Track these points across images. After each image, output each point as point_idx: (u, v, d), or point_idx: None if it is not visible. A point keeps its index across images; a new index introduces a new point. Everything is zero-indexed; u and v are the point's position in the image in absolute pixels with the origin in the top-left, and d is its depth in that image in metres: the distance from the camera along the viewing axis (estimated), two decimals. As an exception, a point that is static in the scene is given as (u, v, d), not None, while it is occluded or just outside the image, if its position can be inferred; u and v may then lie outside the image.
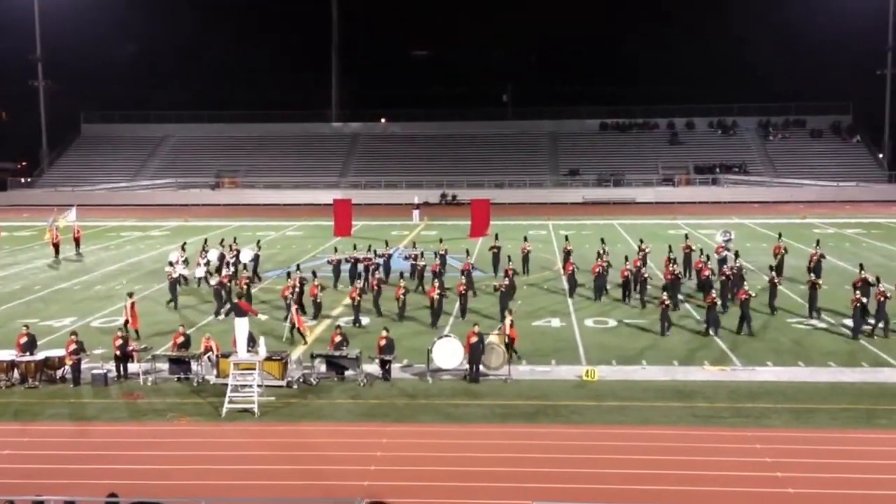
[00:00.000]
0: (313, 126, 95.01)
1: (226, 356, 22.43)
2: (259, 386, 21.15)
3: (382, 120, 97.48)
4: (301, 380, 22.79)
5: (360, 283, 30.86)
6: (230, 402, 20.68)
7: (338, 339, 23.80)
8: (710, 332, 26.94)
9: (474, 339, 22.84)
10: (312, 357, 23.66)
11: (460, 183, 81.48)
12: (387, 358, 23.13)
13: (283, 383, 22.37)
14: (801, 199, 76.19)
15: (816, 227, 56.40)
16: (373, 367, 23.41)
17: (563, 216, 65.81)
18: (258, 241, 42.39)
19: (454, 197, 78.54)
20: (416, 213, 64.34)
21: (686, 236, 37.50)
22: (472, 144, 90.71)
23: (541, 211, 69.50)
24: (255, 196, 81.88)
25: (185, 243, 40.93)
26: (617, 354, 25.44)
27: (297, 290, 29.81)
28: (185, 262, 37.32)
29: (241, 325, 22.00)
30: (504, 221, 59.79)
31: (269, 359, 22.39)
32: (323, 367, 23.35)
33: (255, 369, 21.23)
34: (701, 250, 35.91)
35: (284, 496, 16.27)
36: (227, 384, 21.13)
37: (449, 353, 23.09)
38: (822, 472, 17.01)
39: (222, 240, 42.27)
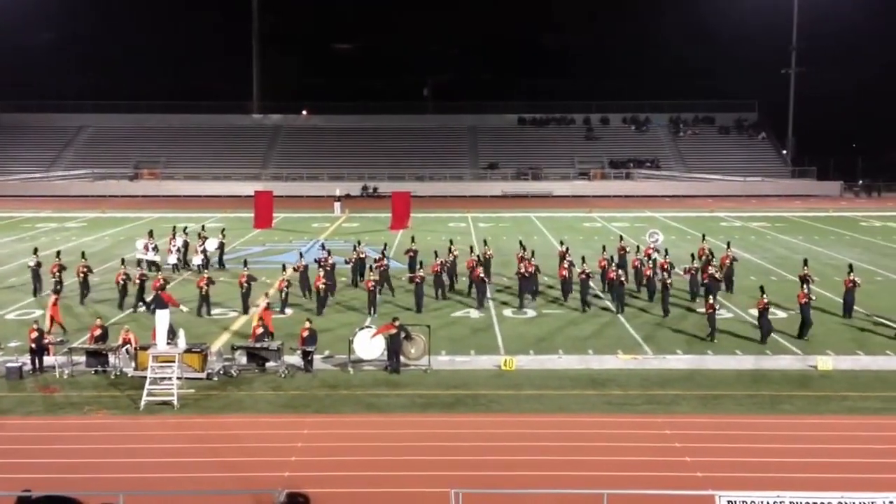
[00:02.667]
0: (234, 117, 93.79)
1: (144, 348, 22.24)
2: (178, 378, 21.01)
3: (304, 112, 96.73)
4: (221, 372, 22.73)
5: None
6: (149, 394, 20.51)
7: (259, 330, 23.81)
8: (711, 337, 26.30)
9: (393, 331, 23.09)
10: (233, 349, 23.62)
11: (381, 176, 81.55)
12: (308, 349, 23.23)
13: (204, 375, 22.25)
14: (709, 194, 78.34)
15: (724, 221, 58.18)
16: (295, 359, 23.49)
17: (482, 209, 66.45)
18: (223, 230, 41.93)
19: (375, 189, 78.55)
20: (337, 205, 64.21)
21: (621, 237, 37.86)
22: (394, 138, 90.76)
23: (460, 204, 70.02)
24: (174, 187, 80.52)
25: (151, 230, 40.33)
26: (534, 344, 26.00)
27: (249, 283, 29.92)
28: (155, 248, 36.92)
29: (162, 318, 21.82)
30: (424, 214, 60.17)
31: (188, 351, 22.22)
32: (244, 359, 23.33)
33: (174, 361, 21.09)
34: (638, 247, 35.70)
35: (204, 488, 16.22)
36: (145, 377, 20.94)
37: (370, 344, 23.31)
38: (728, 456, 17.74)
39: (185, 227, 41.71)
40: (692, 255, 33.31)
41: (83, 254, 33.98)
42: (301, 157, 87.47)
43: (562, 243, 35.81)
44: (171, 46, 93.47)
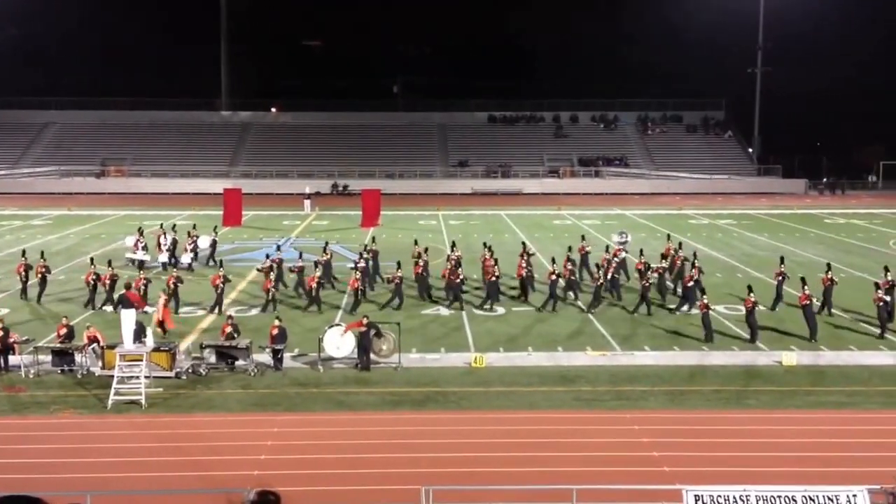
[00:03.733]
0: (202, 114, 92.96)
1: (112, 347, 22.08)
2: (146, 377, 20.90)
3: (273, 109, 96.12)
4: (190, 370, 22.63)
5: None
6: (116, 393, 20.40)
7: (228, 329, 23.71)
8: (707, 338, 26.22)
9: (363, 329, 23.10)
10: (202, 347, 23.52)
11: (352, 173, 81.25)
12: (278, 347, 23.18)
13: (172, 374, 22.16)
14: (677, 191, 78.86)
15: (692, 219, 58.65)
16: (265, 357, 23.43)
17: (452, 206, 66.49)
18: (215, 227, 41.62)
19: (345, 187, 78.30)
20: (307, 202, 63.94)
21: (583, 237, 37.82)
22: (364, 135, 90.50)
23: (431, 201, 70.01)
24: (141, 185, 79.68)
25: (141, 227, 39.90)
26: (504, 341, 26.10)
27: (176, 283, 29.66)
28: (145, 247, 36.52)
29: (128, 317, 21.70)
30: (395, 212, 60.10)
31: (156, 349, 22.13)
32: (213, 358, 23.23)
33: (142, 360, 20.97)
34: (607, 247, 35.49)
35: (173, 488, 16.17)
36: (112, 376, 20.81)
37: (340, 342, 23.29)
38: (695, 450, 17.96)
39: (174, 225, 41.28)
40: (662, 255, 33.58)
41: (42, 253, 33.61)
42: (270, 155, 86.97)
43: (524, 245, 35.27)
44: (138, 42, 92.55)
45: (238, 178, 78.59)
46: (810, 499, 13.62)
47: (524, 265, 32.08)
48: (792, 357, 23.83)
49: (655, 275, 31.40)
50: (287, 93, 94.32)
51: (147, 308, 27.91)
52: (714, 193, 77.94)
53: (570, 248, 34.36)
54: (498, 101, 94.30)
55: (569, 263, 31.90)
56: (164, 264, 36.57)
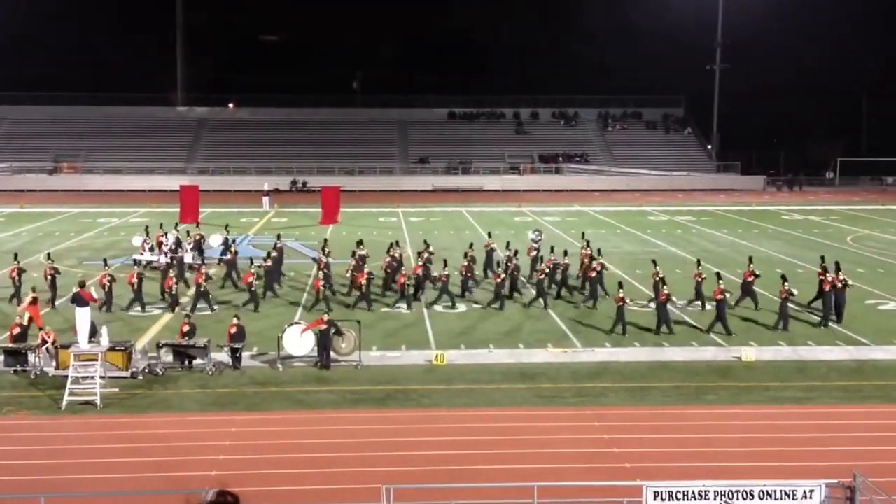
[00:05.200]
0: (158, 110, 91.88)
1: (66, 347, 21.68)
2: (102, 377, 20.55)
3: (230, 105, 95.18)
4: (146, 370, 22.29)
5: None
6: (71, 394, 20.04)
7: (186, 328, 23.39)
8: (666, 329, 26.51)
9: (323, 327, 22.91)
10: (158, 346, 23.17)
11: (311, 170, 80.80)
12: (236, 346, 22.91)
13: (128, 374, 21.81)
14: (637, 188, 79.50)
15: (651, 215, 59.10)
16: (223, 356, 23.14)
17: (412, 203, 66.40)
18: (226, 226, 40.95)
19: (305, 184, 77.87)
20: (266, 199, 63.50)
21: (489, 234, 37.50)
22: (323, 131, 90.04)
23: (391, 198, 69.85)
24: (95, 182, 78.56)
25: (147, 227, 39.13)
26: (465, 338, 26.04)
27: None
28: (152, 248, 35.92)
29: (83, 315, 21.31)
30: (354, 209, 59.90)
31: (112, 349, 21.76)
32: (170, 357, 22.91)
33: (97, 360, 20.61)
34: (565, 251, 35.64)
35: (130, 489, 15.95)
36: (67, 376, 20.44)
37: (300, 340, 23.09)
38: (655, 446, 18.02)
39: (177, 224, 40.46)
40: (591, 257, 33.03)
41: (48, 255, 33.02)
42: (228, 151, 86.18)
43: (471, 246, 34.64)
44: (92, 36, 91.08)
45: (195, 175, 77.83)
46: (768, 493, 13.72)
47: (466, 264, 31.87)
48: (751, 353, 24.04)
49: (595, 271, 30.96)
50: (244, 88, 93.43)
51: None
52: (674, 190, 78.68)
53: (471, 245, 34.13)
54: (458, 97, 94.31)
55: (465, 260, 31.87)
56: (166, 264, 35.57)
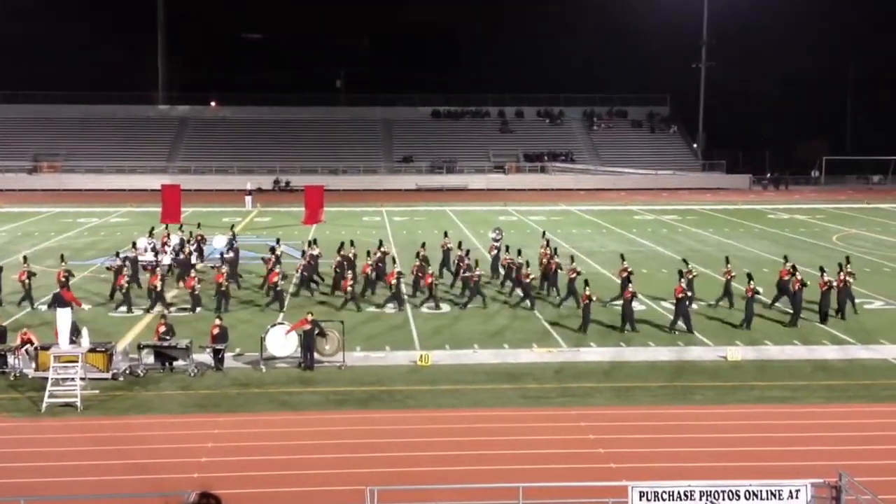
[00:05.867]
0: (138, 108, 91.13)
1: (46, 348, 21.43)
2: (82, 379, 20.34)
3: (212, 103, 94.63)
4: (128, 371, 22.06)
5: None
6: (51, 396, 19.83)
7: (162, 329, 23.14)
8: (629, 328, 26.58)
9: (307, 327, 22.73)
10: (139, 348, 22.92)
11: (294, 169, 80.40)
12: (219, 347, 22.69)
13: (109, 375, 21.55)
14: (623, 187, 79.52)
15: (637, 214, 59.15)
16: (205, 357, 22.92)
17: (397, 203, 66.24)
18: (232, 226, 40.53)
19: (288, 183, 77.52)
20: (248, 199, 63.12)
21: (445, 233, 37.33)
22: (306, 130, 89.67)
23: (375, 197, 69.65)
24: (75, 181, 77.87)
25: (153, 228, 38.67)
26: (450, 339, 25.91)
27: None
28: (154, 249, 35.42)
29: (63, 316, 21.09)
30: (338, 208, 59.67)
31: (92, 350, 21.54)
32: (151, 358, 22.66)
33: (77, 361, 20.38)
34: (519, 250, 35.16)
35: (111, 492, 15.79)
36: (47, 378, 20.20)
37: (283, 341, 22.90)
38: (641, 447, 17.95)
39: (181, 226, 39.96)
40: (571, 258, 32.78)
41: (62, 257, 32.65)
42: (210, 150, 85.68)
43: (423, 245, 34.21)
44: (71, 33, 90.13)
45: (176, 174, 77.26)
46: (754, 493, 13.68)
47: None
48: (737, 352, 24.01)
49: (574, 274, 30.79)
50: (226, 86, 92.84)
51: (85, 306, 27.18)
52: (659, 189, 78.71)
53: (423, 245, 33.92)
54: (442, 96, 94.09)
55: (417, 260, 31.62)
56: (168, 266, 35.16)
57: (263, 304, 29.49)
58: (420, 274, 30.98)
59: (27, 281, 29.32)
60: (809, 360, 23.89)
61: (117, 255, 31.95)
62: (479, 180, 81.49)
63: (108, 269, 31.87)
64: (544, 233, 38.12)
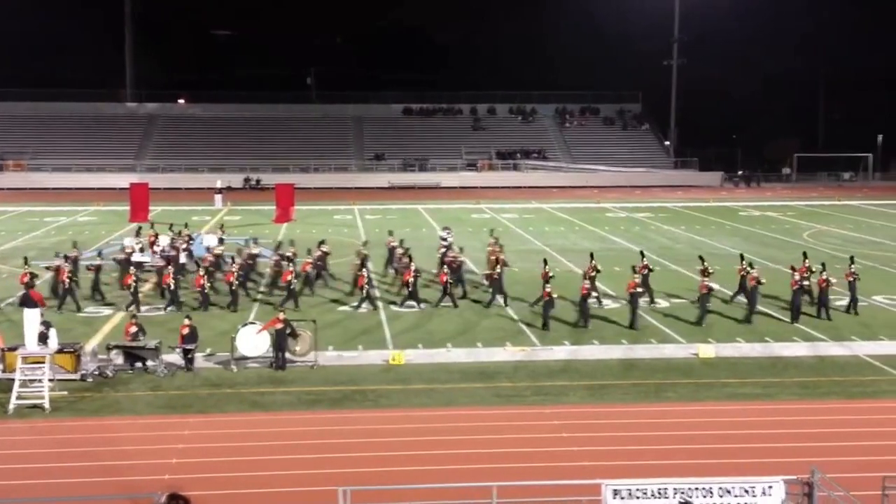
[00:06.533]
0: (106, 105, 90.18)
1: (13, 349, 21.11)
2: (50, 380, 20.07)
3: (181, 101, 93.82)
4: (96, 372, 21.77)
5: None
6: (18, 397, 19.56)
7: (133, 329, 22.85)
8: (542, 325, 26.81)
9: (279, 326, 22.53)
10: (108, 348, 22.63)
11: (265, 167, 79.92)
12: (189, 347, 22.44)
13: (77, 376, 21.32)
14: (595, 184, 79.77)
15: (609, 212, 59.33)
16: (175, 357, 22.67)
17: (368, 201, 66.01)
18: (221, 226, 39.96)
19: (258, 181, 77.05)
20: (218, 197, 62.62)
21: (390, 232, 37.23)
22: (277, 128, 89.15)
23: (346, 195, 69.40)
24: (42, 180, 77.00)
25: (140, 228, 38.04)
26: (423, 338, 25.80)
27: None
28: (142, 249, 34.98)
29: (31, 317, 20.79)
30: (309, 206, 59.40)
31: (60, 351, 21.28)
32: (120, 359, 22.38)
33: (44, 362, 20.09)
34: (461, 248, 34.46)
35: (79, 494, 15.59)
36: (13, 379, 19.88)
37: (254, 341, 22.69)
38: (614, 444, 17.95)
39: (171, 225, 39.43)
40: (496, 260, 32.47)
41: (66, 258, 32.15)
42: (179, 148, 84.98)
43: (365, 244, 34.46)
44: (38, 30, 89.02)
45: (145, 173, 76.70)
46: (727, 490, 13.70)
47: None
48: (709, 349, 24.09)
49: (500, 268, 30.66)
50: (196, 84, 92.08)
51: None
52: (632, 186, 79.00)
53: (365, 243, 33.66)
54: (414, 93, 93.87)
55: (357, 259, 31.53)
56: (183, 265, 34.49)
57: (277, 303, 29.15)
58: (358, 273, 30.64)
59: None
60: (781, 357, 24.01)
61: (57, 255, 31.68)
62: (452, 178, 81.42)
63: (88, 269, 31.52)
64: (492, 231, 38.00)
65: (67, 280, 28.81)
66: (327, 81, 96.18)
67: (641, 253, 31.84)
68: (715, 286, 28.60)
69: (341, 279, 32.91)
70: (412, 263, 30.55)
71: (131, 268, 29.87)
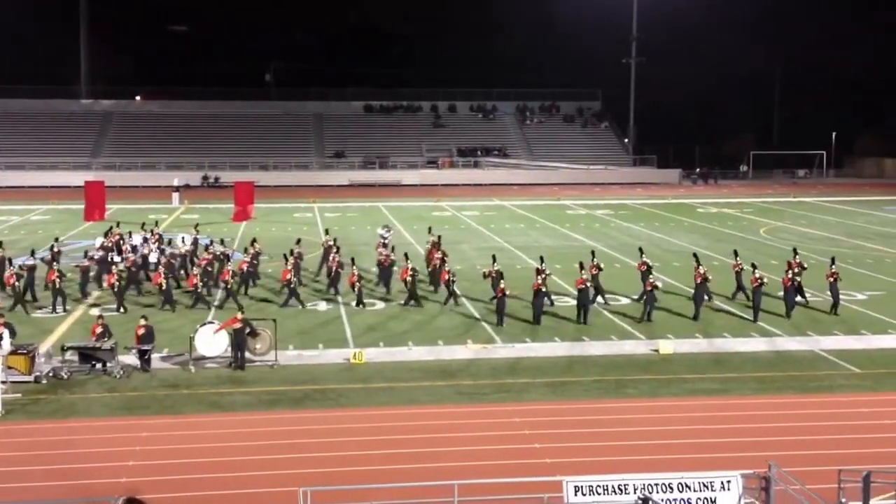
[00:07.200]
0: (61, 102, 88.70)
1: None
2: (3, 382, 19.75)
3: (138, 98, 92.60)
4: (51, 374, 21.41)
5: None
6: (-30, 401, 19.14)
7: (99, 330, 22.49)
8: (497, 321, 26.92)
9: (238, 325, 22.31)
10: (63, 349, 22.27)
11: (223, 165, 79.21)
12: (145, 348, 22.14)
13: (31, 378, 20.95)
14: (555, 182, 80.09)
15: (569, 209, 59.58)
16: (132, 359, 22.36)
17: (329, 198, 65.70)
18: (196, 225, 39.33)
19: (217, 179, 76.32)
20: (175, 195, 61.93)
21: (326, 231, 36.99)
22: (235, 125, 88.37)
23: (307, 193, 69.00)
24: (-6, 178, 75.74)
25: (111, 228, 37.24)
26: (384, 336, 25.72)
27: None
28: (113, 248, 34.29)
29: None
30: (269, 204, 58.98)
31: (14, 353, 20.93)
32: (76, 360, 22.01)
33: (-3, 365, 19.75)
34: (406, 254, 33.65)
35: (34, 498, 15.32)
36: (-35, 382, 19.52)
37: (213, 340, 22.45)
38: (575, 441, 18.01)
39: (143, 224, 38.75)
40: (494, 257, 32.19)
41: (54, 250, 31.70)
42: (135, 146, 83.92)
43: (298, 242, 34.13)
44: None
45: (101, 170, 75.58)
46: (686, 485, 13.77)
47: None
48: (668, 345, 24.26)
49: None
50: (152, 80, 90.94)
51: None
52: (591, 184, 79.39)
53: (298, 241, 33.47)
54: (375, 90, 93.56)
55: (292, 258, 31.01)
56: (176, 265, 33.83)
57: (279, 303, 29.12)
58: (293, 272, 30.48)
59: None
60: (739, 353, 24.26)
61: (32, 253, 31.17)
62: (412, 175, 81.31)
63: (76, 267, 31.06)
64: (430, 229, 38.00)
65: (14, 282, 28.29)
66: (287, 78, 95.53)
67: (593, 253, 31.94)
68: (660, 284, 28.75)
69: (273, 277, 32.55)
70: (409, 262, 30.32)
71: (112, 267, 29.43)
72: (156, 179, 74.30)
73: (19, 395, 20.16)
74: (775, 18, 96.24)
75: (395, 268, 31.72)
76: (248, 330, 22.51)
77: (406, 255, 31.61)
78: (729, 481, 13.75)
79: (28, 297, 29.26)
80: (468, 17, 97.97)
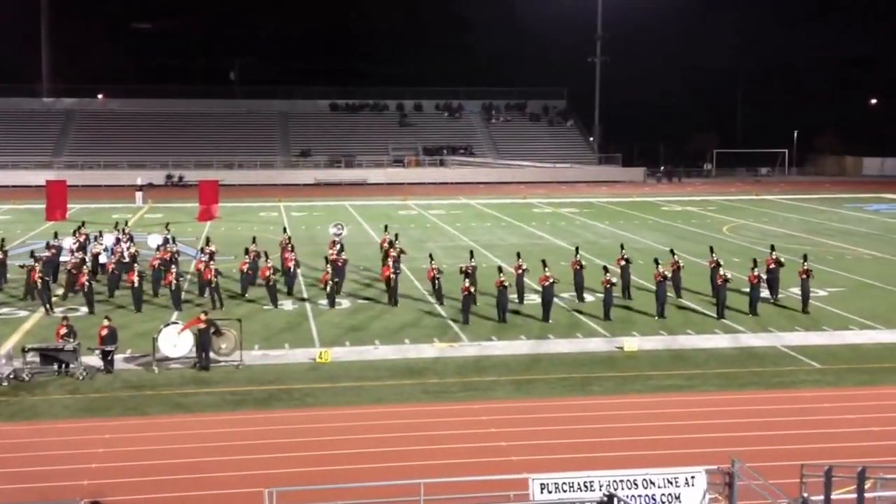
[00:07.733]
0: (20, 101, 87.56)
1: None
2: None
3: (100, 96, 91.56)
4: (11, 376, 21.10)
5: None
6: (-72, 404, 18.83)
7: (63, 331, 22.20)
8: (463, 319, 27.03)
9: (202, 326, 22.13)
10: (24, 351, 21.94)
11: (187, 163, 78.58)
12: (108, 349, 21.89)
13: (-9, 381, 20.63)
14: (521, 180, 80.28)
15: (536, 207, 59.77)
16: (94, 360, 22.09)
17: (294, 197, 65.40)
18: (167, 224, 38.76)
19: (181, 178, 75.71)
20: (139, 195, 61.37)
21: (284, 229, 36.80)
22: (200, 123, 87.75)
23: (272, 192, 68.67)
24: (-45, 177, 74.55)
25: (80, 226, 36.55)
26: (350, 335, 25.64)
27: None
28: (81, 247, 33.65)
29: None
30: (234, 203, 58.61)
31: (-28, 355, 20.56)
32: (37, 361, 21.70)
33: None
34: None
35: (-6, 503, 15.08)
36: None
37: (177, 341, 22.25)
38: (541, 438, 18.08)
39: (116, 223, 38.03)
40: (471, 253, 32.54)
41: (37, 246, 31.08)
42: (98, 144, 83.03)
43: (254, 240, 33.74)
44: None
45: (62, 170, 74.76)
46: (651, 482, 13.82)
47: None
48: (633, 342, 24.42)
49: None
50: (115, 78, 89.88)
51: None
52: (557, 182, 79.67)
53: (254, 240, 33.38)
54: (340, 89, 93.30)
55: (246, 257, 31.11)
56: (101, 265, 33.17)
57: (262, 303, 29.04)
58: (250, 272, 30.47)
59: None
60: (703, 349, 24.47)
61: (32, 254, 30.85)
62: (379, 174, 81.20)
63: (69, 269, 30.62)
64: (386, 227, 37.96)
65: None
66: (251, 76, 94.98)
67: (543, 262, 31.97)
68: (615, 280, 28.92)
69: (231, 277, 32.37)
70: (433, 262, 30.39)
71: (84, 267, 29.07)
72: (119, 178, 73.57)
73: (-21, 397, 19.90)
74: (740, 15, 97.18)
75: (346, 267, 31.98)
76: (212, 330, 22.34)
77: (430, 255, 31.90)
78: (693, 477, 13.83)
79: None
80: (434, 16, 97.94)
